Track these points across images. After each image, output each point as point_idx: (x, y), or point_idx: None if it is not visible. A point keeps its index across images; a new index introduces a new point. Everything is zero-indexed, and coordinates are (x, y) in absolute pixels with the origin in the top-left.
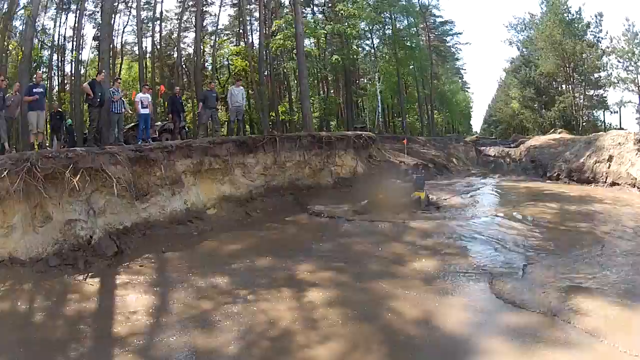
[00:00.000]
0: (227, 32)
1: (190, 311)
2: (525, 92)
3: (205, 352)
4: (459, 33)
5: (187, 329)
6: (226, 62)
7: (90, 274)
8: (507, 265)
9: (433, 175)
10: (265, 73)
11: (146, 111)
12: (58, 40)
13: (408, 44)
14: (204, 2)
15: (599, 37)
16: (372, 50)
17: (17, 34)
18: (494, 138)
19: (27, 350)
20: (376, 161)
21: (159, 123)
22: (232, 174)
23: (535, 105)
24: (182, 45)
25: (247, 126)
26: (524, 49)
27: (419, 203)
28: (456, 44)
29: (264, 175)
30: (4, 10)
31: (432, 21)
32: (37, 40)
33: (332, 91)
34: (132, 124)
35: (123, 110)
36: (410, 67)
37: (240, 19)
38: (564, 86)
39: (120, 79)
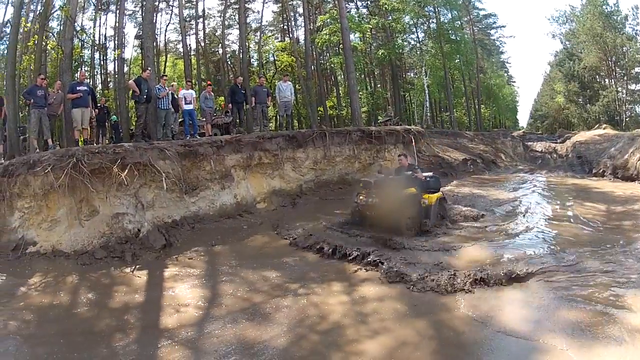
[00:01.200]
0: (271, 28)
1: (240, 304)
2: (570, 87)
3: (254, 344)
4: (503, 26)
5: (237, 321)
6: (272, 58)
7: (137, 267)
8: (560, 263)
9: (481, 171)
10: (312, 68)
11: (190, 107)
12: (99, 40)
13: (453, 37)
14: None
15: (637, 30)
16: (418, 44)
17: (55, 35)
18: (540, 133)
19: (69, 340)
20: (425, 156)
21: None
22: (282, 168)
23: (580, 100)
24: (226, 42)
25: (295, 121)
26: (566, 42)
27: (418, 217)
28: (500, 37)
29: (313, 170)
30: (38, 12)
31: (476, 14)
32: (77, 39)
33: (379, 85)
34: (180, 120)
35: (170, 106)
36: (456, 61)
37: (284, 15)
38: (607, 80)
39: (166, 76)
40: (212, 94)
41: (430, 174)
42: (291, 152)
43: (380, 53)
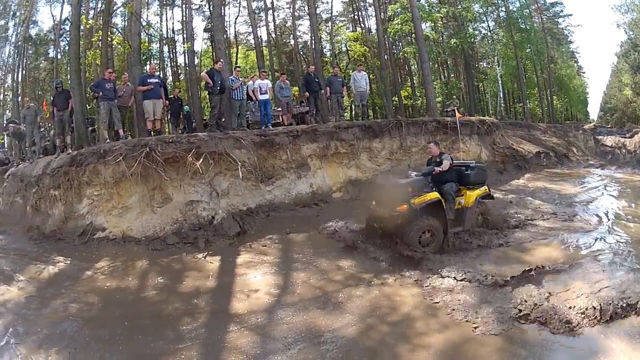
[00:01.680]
0: (341, 18)
1: (312, 292)
2: (637, 79)
3: (323, 333)
4: (569, 15)
5: (308, 309)
6: (344, 48)
7: (210, 253)
8: None
9: (554, 165)
10: (386, 58)
11: (265, 97)
12: (167, 34)
13: (523, 26)
14: None
15: None
16: (489, 33)
17: (120, 30)
18: (610, 127)
19: (134, 323)
20: (499, 148)
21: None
22: (358, 158)
23: None
24: (297, 33)
25: (369, 111)
26: (630, 32)
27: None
28: (568, 26)
29: (389, 160)
30: (100, 9)
31: (543, 2)
32: (144, 34)
33: (452, 76)
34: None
35: (244, 97)
36: (527, 50)
37: (354, 5)
38: None
39: (240, 67)
40: (287, 82)
41: (473, 162)
42: (367, 142)
43: (452, 42)
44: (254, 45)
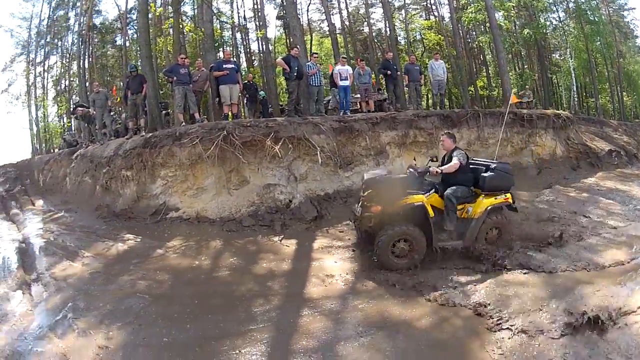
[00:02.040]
0: (414, 6)
1: (386, 280)
2: None
3: (396, 322)
4: (633, 8)
5: (382, 297)
6: (419, 36)
7: (286, 236)
8: None
9: (625, 164)
10: (461, 47)
11: (346, 83)
12: (238, 21)
13: (591, 17)
14: None
15: None
16: (560, 24)
17: (189, 18)
18: None
19: (205, 302)
20: (574, 143)
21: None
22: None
23: None
24: (371, 21)
25: (445, 100)
26: None
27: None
28: (633, 19)
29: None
30: None
31: None
32: (216, 21)
33: (525, 67)
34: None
35: (321, 83)
36: (597, 43)
37: None
38: None
39: (317, 54)
40: (367, 69)
41: (495, 163)
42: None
43: (525, 33)
44: (327, 33)
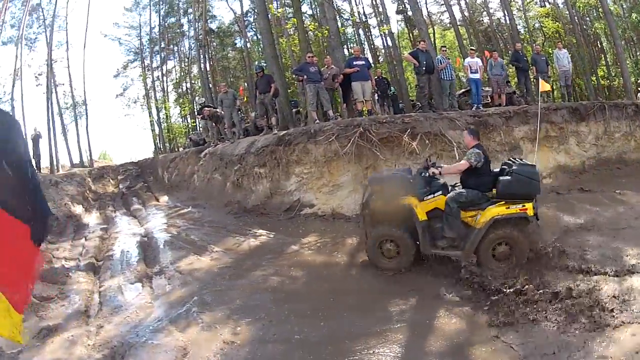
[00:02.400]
0: None
1: None
2: None
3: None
4: None
5: None
6: (537, 25)
7: None
8: None
9: None
10: (578, 34)
11: (476, 76)
12: (359, 18)
13: None
14: None
15: None
16: None
17: (309, 17)
18: None
19: (340, 300)
20: None
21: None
22: (566, 142)
23: None
24: (490, 11)
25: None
26: None
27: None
28: None
29: (595, 146)
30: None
31: None
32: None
33: (638, 54)
34: (463, 89)
35: (452, 77)
36: None
37: None
38: None
39: (446, 47)
40: (500, 60)
41: (517, 164)
42: (575, 125)
43: (633, 17)
44: (448, 25)
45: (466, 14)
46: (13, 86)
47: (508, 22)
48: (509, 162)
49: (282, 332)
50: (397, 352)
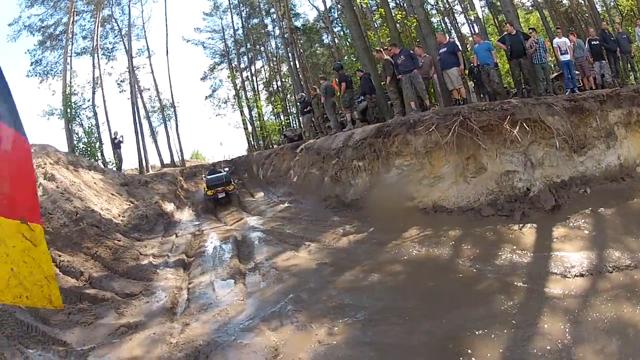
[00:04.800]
0: None
1: (624, 278)
2: None
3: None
4: None
5: (618, 299)
6: (612, 3)
7: (525, 225)
8: None
9: None
10: None
11: (566, 57)
12: (444, 6)
13: None
14: None
15: None
16: None
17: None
18: None
19: (443, 297)
20: None
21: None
22: None
23: None
24: None
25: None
26: None
27: None
28: None
29: None
30: None
31: None
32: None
33: None
34: (555, 74)
35: (545, 60)
36: None
37: None
38: None
39: (535, 30)
40: (579, 40)
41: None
42: None
43: None
44: (530, 8)
45: None
46: (93, 93)
47: (587, 1)
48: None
49: (380, 333)
50: (499, 355)
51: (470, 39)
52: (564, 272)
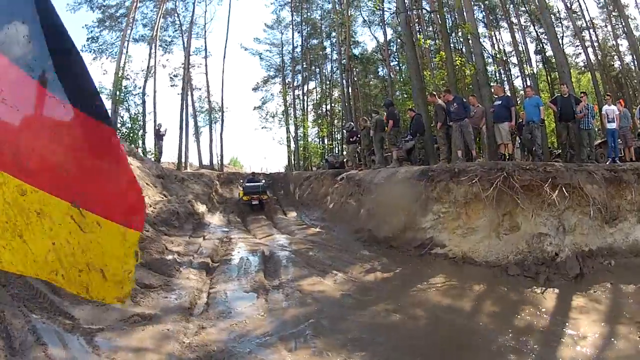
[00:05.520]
0: None
1: (630, 351)
2: None
3: None
4: None
5: None
6: None
7: (547, 291)
8: None
9: None
10: None
11: (613, 125)
12: (500, 56)
13: None
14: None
15: None
16: None
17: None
18: None
19: (458, 351)
20: None
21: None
22: None
23: None
24: (621, 55)
25: None
26: None
27: None
28: None
29: None
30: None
31: None
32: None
33: None
34: (600, 140)
35: (591, 126)
36: None
37: None
38: None
39: (586, 94)
40: (625, 109)
41: None
42: None
43: None
44: (583, 68)
45: (599, 57)
46: (145, 81)
47: (637, 66)
48: None
49: None
50: None
51: (522, 92)
52: (575, 342)
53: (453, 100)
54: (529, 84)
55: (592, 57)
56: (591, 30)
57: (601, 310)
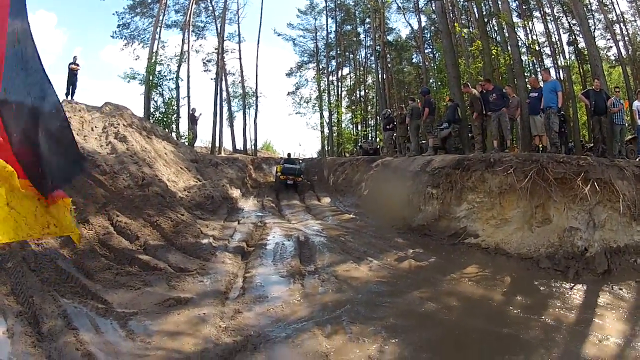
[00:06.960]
0: None
1: None
2: None
3: None
4: None
5: None
6: None
7: (576, 285)
8: None
9: None
10: None
11: None
12: (534, 45)
13: None
14: None
15: None
16: None
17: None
18: None
19: (490, 340)
20: None
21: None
22: None
23: None
24: None
25: None
26: None
27: None
28: None
29: None
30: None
31: None
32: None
33: None
34: (630, 136)
35: (624, 122)
36: None
37: None
38: None
39: (619, 88)
40: None
41: None
42: None
43: None
44: (613, 63)
45: (629, 51)
46: (179, 67)
47: None
48: None
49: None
50: None
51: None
52: (600, 338)
53: (492, 90)
54: (562, 75)
55: (622, 51)
56: (622, 24)
57: (625, 308)
